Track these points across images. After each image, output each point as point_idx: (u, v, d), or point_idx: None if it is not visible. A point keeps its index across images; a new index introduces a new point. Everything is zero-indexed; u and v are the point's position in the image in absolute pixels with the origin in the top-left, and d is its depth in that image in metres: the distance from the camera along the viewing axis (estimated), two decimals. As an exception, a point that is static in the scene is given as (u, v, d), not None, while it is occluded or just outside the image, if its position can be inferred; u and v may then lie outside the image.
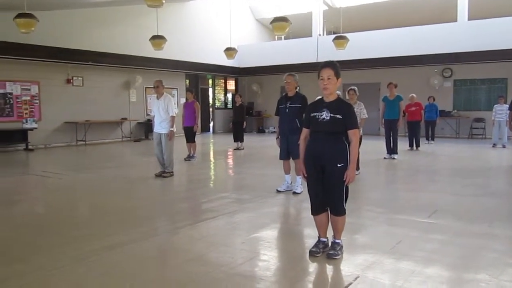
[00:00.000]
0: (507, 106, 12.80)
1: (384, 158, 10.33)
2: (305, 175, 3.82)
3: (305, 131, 3.89)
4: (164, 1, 8.51)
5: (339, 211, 3.72)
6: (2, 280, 3.32)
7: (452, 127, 16.39)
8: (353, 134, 3.66)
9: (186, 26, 17.42)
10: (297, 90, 6.38)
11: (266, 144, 15.08)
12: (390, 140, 10.43)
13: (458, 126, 16.33)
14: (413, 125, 12.33)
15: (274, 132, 20.11)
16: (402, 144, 11.11)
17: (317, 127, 3.73)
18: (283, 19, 10.94)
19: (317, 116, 3.72)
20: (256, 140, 16.17)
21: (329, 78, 3.69)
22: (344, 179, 3.62)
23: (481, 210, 5.50)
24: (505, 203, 5.96)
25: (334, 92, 3.77)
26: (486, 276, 3.31)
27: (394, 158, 10.29)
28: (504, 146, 12.66)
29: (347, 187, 3.71)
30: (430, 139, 14.05)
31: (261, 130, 20.50)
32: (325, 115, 3.68)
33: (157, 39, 12.80)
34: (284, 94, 6.49)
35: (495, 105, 12.99)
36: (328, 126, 3.66)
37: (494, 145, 12.87)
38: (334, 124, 3.65)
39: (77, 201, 6.53)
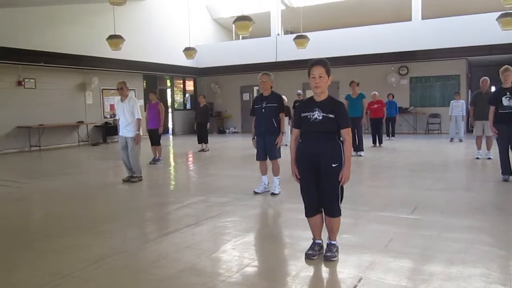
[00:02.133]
0: (463, 101, 13.33)
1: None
2: (298, 177, 3.71)
3: (295, 132, 3.78)
4: (127, -1, 8.16)
5: (335, 212, 3.63)
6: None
7: (410, 123, 16.88)
8: (346, 133, 3.59)
9: (143, 26, 16.89)
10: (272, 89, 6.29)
11: (229, 145, 14.95)
12: (355, 138, 10.52)
13: (416, 122, 16.84)
14: (376, 122, 12.56)
15: (235, 132, 20.12)
16: (365, 141, 11.24)
17: (309, 127, 3.62)
18: (246, 18, 10.80)
19: (308, 116, 3.62)
20: (218, 141, 15.94)
21: (320, 76, 3.63)
22: (339, 179, 3.55)
23: (459, 204, 5.60)
24: (478, 195, 6.12)
25: (325, 91, 3.71)
26: (485, 270, 3.33)
27: (360, 156, 10.41)
28: (461, 140, 13.13)
29: (342, 187, 3.64)
30: (390, 135, 14.36)
31: (221, 131, 20.28)
32: (317, 114, 3.59)
33: (115, 39, 12.31)
34: (259, 93, 6.39)
35: (451, 101, 13.43)
36: (321, 126, 3.56)
37: (452, 139, 13.32)
38: (327, 124, 3.55)
39: (44, 211, 6.13)
